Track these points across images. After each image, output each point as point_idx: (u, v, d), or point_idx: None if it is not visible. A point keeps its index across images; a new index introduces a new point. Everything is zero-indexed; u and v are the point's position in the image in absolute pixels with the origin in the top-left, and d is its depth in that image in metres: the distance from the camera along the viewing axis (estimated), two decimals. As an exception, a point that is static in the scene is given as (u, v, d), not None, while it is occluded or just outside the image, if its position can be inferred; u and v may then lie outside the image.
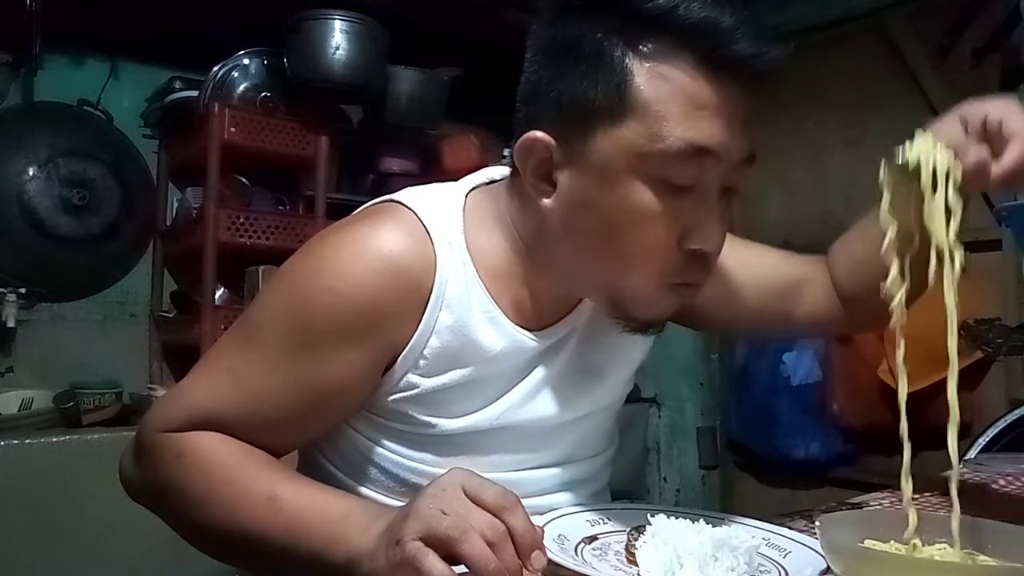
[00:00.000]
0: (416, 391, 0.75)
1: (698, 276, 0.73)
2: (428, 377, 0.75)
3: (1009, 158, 0.67)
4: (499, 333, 0.76)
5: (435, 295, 0.73)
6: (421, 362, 0.74)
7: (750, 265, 0.93)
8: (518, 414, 0.79)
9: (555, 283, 0.78)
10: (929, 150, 0.66)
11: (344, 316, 0.69)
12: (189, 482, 0.69)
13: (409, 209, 0.75)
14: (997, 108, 0.70)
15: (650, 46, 0.65)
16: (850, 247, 0.93)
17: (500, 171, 0.83)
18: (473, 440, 0.78)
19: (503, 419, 0.79)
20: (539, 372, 0.80)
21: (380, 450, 0.79)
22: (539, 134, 0.70)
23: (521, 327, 0.77)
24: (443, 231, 0.74)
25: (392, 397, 0.76)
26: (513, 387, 0.79)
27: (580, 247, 0.72)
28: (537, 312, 0.79)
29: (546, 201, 0.72)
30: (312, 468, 0.83)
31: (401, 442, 0.78)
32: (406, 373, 0.74)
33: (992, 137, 0.69)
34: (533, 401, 0.80)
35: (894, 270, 0.66)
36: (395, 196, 0.78)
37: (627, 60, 0.65)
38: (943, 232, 0.63)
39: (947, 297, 0.63)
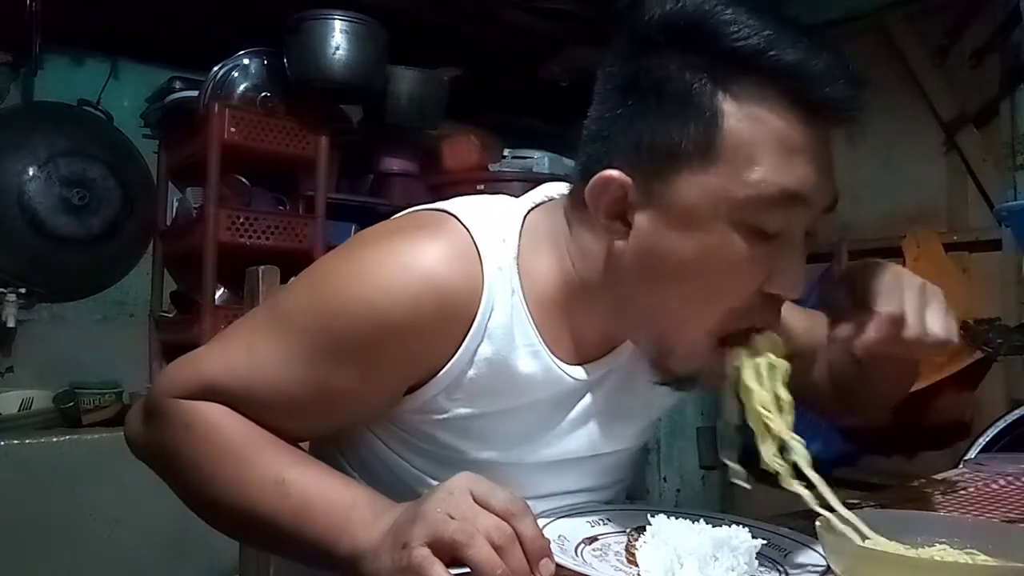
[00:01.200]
0: (446, 416, 0.73)
1: (768, 319, 0.71)
2: (460, 406, 0.73)
3: (867, 338, 0.70)
4: (540, 368, 0.73)
5: (477, 324, 0.69)
6: (454, 390, 0.72)
7: (788, 327, 0.93)
8: (549, 451, 0.78)
9: (606, 321, 0.75)
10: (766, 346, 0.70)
11: (373, 332, 0.67)
12: (196, 454, 0.68)
13: (463, 225, 0.71)
14: (884, 281, 0.72)
15: (741, 87, 0.63)
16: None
17: (558, 188, 0.81)
18: (498, 469, 0.76)
19: (532, 456, 0.78)
20: (576, 411, 0.78)
21: (407, 466, 0.78)
22: (615, 173, 0.67)
23: (561, 360, 0.75)
24: (495, 254, 0.71)
25: (421, 417, 0.74)
26: (549, 426, 0.78)
27: (648, 293, 0.70)
28: (580, 347, 0.76)
29: (619, 242, 0.69)
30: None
31: (426, 461, 0.77)
32: (436, 397, 0.72)
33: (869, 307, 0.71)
34: (565, 439, 0.79)
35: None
36: (450, 207, 0.74)
37: (717, 101, 0.63)
38: (779, 424, 0.71)
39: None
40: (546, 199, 0.80)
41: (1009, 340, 2.14)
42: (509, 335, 0.71)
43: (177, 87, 2.36)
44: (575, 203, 0.73)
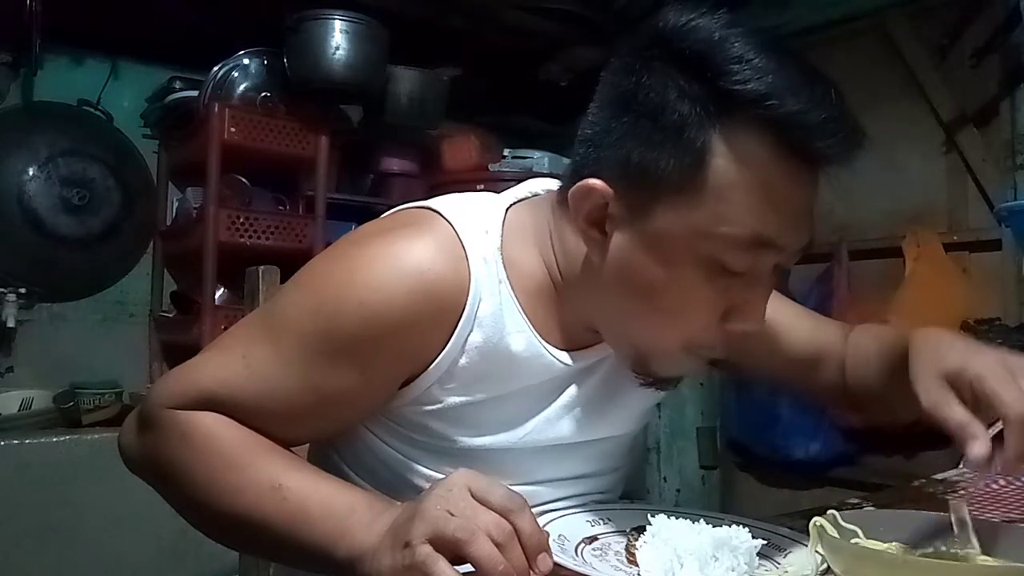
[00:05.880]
0: (439, 406, 0.74)
1: (723, 351, 0.72)
2: (453, 394, 0.74)
3: (1013, 449, 0.62)
4: (531, 353, 0.75)
5: (466, 315, 0.71)
6: (447, 379, 0.73)
7: (785, 329, 0.93)
8: (541, 435, 0.79)
9: (587, 317, 0.76)
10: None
11: (369, 331, 0.68)
12: (192, 464, 0.68)
13: (446, 220, 0.73)
14: (989, 374, 0.65)
15: (735, 127, 0.62)
16: (866, 359, 0.90)
17: (543, 184, 0.82)
18: (493, 456, 0.77)
19: (526, 440, 0.78)
20: (567, 395, 0.79)
21: (402, 459, 0.78)
22: (599, 183, 0.68)
23: (553, 347, 0.76)
24: (479, 247, 0.72)
25: (414, 409, 0.75)
26: (540, 409, 0.78)
27: (617, 302, 0.71)
28: (571, 334, 0.77)
29: (593, 249, 0.71)
30: (326, 468, 0.82)
31: (420, 453, 0.78)
32: (430, 388, 0.73)
33: (984, 406, 0.65)
34: (557, 423, 0.79)
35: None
36: (433, 204, 0.75)
37: (708, 137, 0.63)
38: None
39: None
40: (529, 194, 0.81)
41: (1009, 340, 2.14)
42: (499, 322, 0.73)
43: (177, 87, 2.36)
44: (562, 200, 0.74)
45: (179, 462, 0.69)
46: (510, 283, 0.74)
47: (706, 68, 0.62)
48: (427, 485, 0.75)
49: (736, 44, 0.62)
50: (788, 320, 0.94)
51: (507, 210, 0.78)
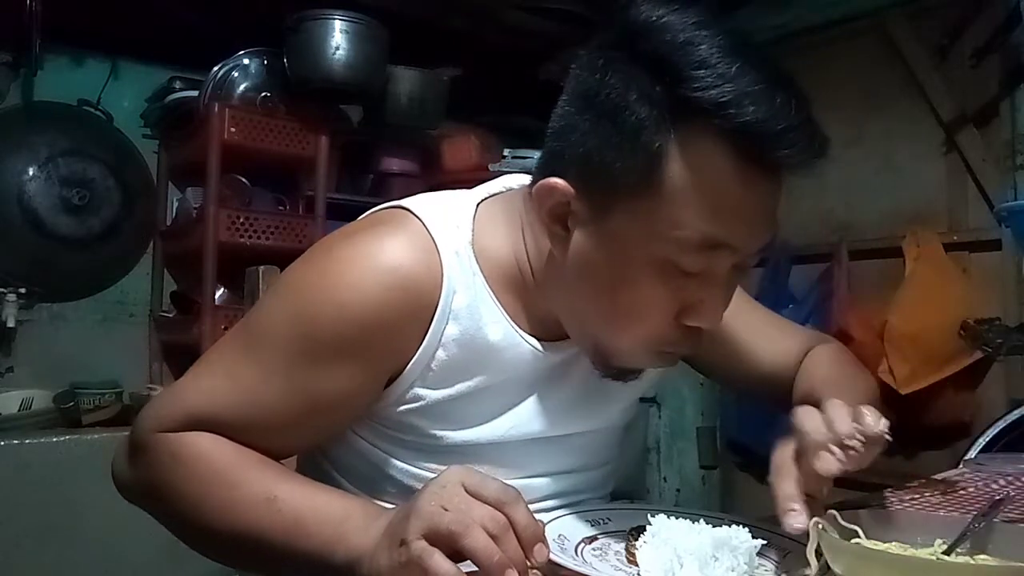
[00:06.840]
0: (422, 403, 0.75)
1: (686, 347, 0.73)
2: (435, 389, 0.74)
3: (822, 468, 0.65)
4: (508, 343, 0.75)
5: (441, 308, 0.72)
6: (427, 375, 0.74)
7: (749, 341, 0.94)
8: (525, 428, 0.79)
9: (554, 310, 0.77)
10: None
11: (349, 331, 0.69)
12: (185, 484, 0.68)
13: (416, 217, 0.74)
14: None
15: (691, 133, 0.62)
16: (803, 385, 0.89)
17: (517, 179, 0.83)
18: (479, 451, 0.78)
19: (510, 433, 0.79)
20: (548, 387, 0.80)
21: (387, 458, 0.79)
22: (560, 183, 0.68)
23: (531, 337, 0.77)
24: (449, 241, 0.73)
25: (398, 408, 0.75)
26: (521, 401, 0.79)
27: (578, 297, 0.72)
28: (546, 325, 0.78)
29: (556, 245, 0.71)
30: (317, 477, 0.82)
31: (407, 451, 0.78)
32: (411, 385, 0.74)
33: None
34: (540, 416, 0.80)
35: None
36: (403, 203, 0.77)
37: (664, 141, 0.63)
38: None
39: None
40: (504, 189, 0.82)
41: (1009, 340, 2.14)
42: (475, 314, 0.74)
43: (177, 87, 2.36)
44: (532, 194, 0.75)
45: (172, 483, 0.69)
46: (483, 275, 0.75)
47: (666, 72, 0.62)
48: (416, 484, 0.75)
49: (701, 48, 0.61)
50: (753, 332, 0.94)
51: (478, 205, 0.78)
